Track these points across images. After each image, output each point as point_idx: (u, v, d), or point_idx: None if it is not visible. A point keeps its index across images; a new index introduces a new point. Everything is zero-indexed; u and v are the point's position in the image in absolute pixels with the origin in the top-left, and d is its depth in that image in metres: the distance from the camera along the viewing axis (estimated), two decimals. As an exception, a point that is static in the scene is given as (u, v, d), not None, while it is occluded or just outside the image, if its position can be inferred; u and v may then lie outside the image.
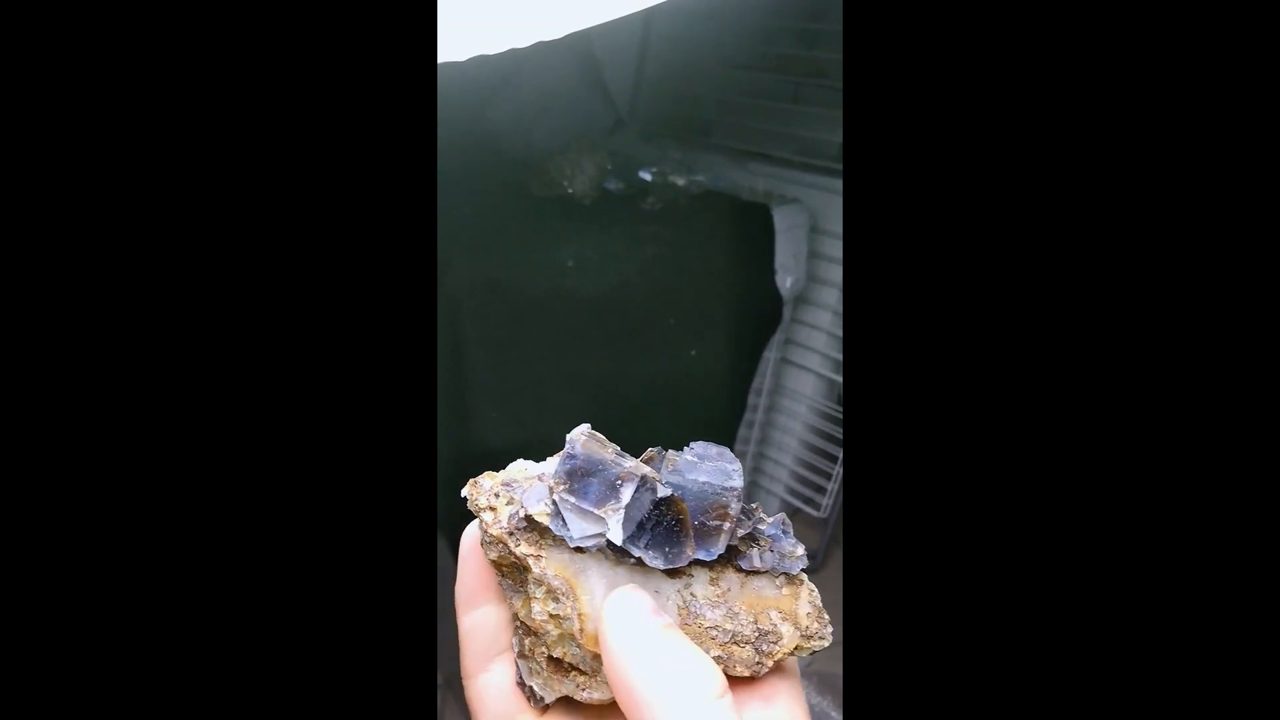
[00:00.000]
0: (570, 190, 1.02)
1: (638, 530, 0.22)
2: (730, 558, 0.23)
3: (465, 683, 0.25)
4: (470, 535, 0.25)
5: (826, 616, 0.24)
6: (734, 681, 0.22)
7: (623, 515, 0.22)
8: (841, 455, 1.25)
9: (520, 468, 0.25)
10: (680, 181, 1.07)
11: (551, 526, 0.22)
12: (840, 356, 1.25)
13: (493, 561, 0.24)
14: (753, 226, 1.09)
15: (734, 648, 0.23)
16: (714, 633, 0.23)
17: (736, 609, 0.23)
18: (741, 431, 1.27)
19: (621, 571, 0.23)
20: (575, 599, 0.22)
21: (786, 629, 0.23)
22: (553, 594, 0.23)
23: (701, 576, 0.23)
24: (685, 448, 0.24)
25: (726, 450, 0.24)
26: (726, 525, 0.22)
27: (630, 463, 0.23)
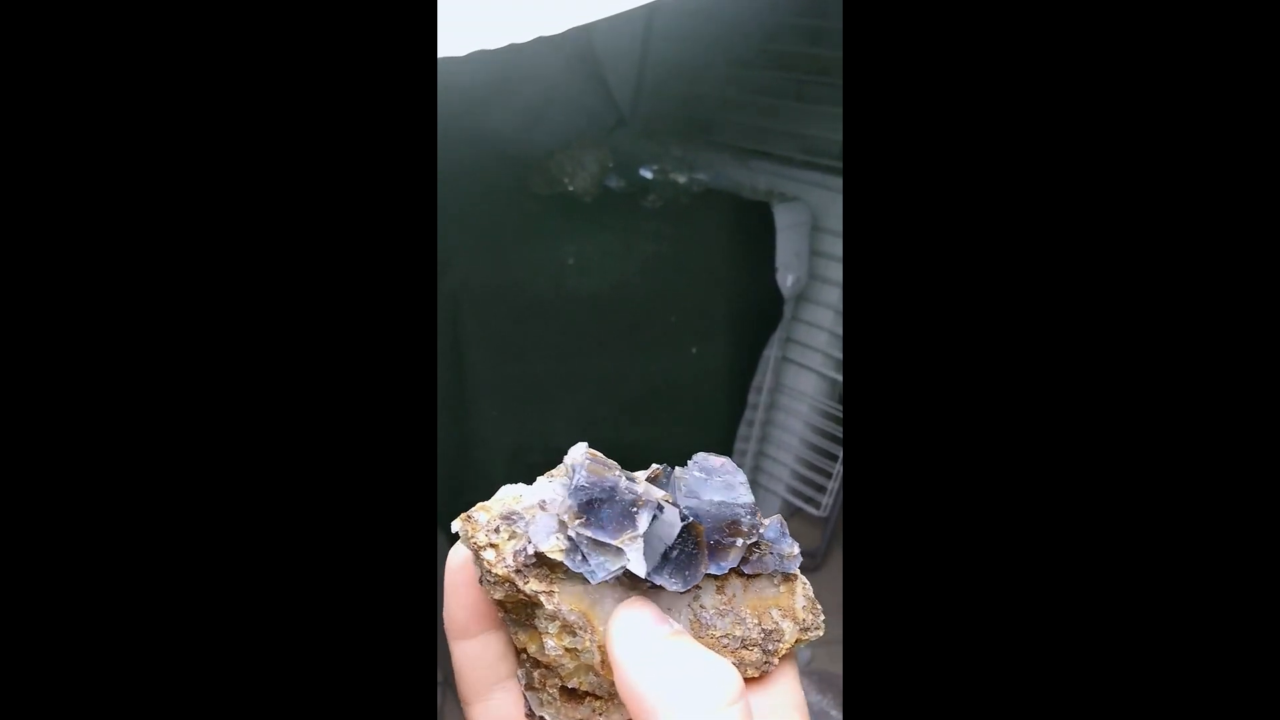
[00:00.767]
0: (571, 188, 1.01)
1: (662, 561, 0.21)
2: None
3: (464, 709, 0.25)
4: (456, 563, 0.23)
5: (819, 606, 0.24)
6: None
7: (642, 545, 0.21)
8: (842, 454, 1.25)
9: (513, 495, 0.23)
10: (681, 179, 1.07)
11: (568, 563, 0.21)
12: (840, 356, 1.25)
13: (495, 600, 0.23)
14: (754, 224, 1.09)
15: (743, 652, 0.23)
16: (725, 641, 0.23)
17: (743, 613, 0.23)
18: (742, 430, 1.27)
19: (636, 596, 0.22)
20: (593, 631, 0.22)
21: (787, 625, 0.23)
22: (569, 628, 0.22)
23: (709, 586, 0.23)
24: (690, 463, 0.23)
25: (728, 460, 0.23)
26: (740, 541, 0.22)
27: (640, 485, 0.22)
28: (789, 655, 0.23)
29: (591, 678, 0.22)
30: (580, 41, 1.03)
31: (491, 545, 0.22)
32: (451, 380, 0.83)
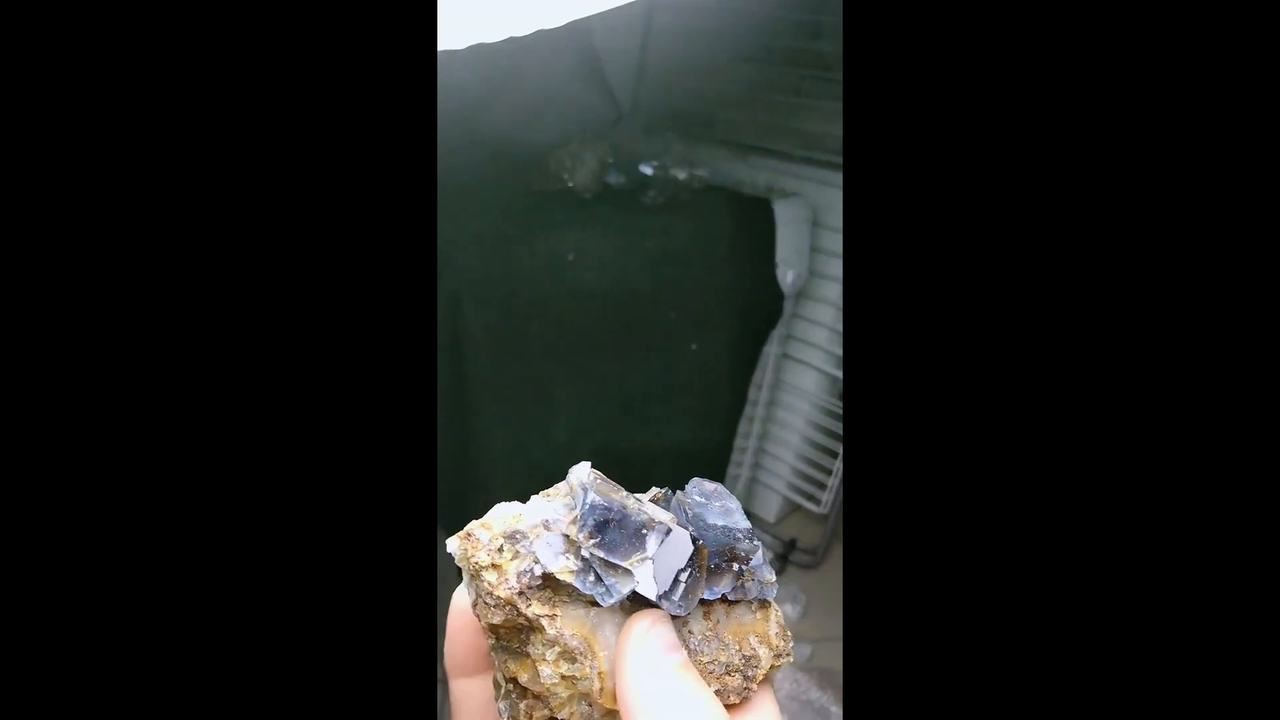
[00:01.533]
0: (571, 184, 1.01)
1: (674, 587, 0.21)
2: None
3: None
4: (461, 604, 0.23)
5: (789, 632, 0.24)
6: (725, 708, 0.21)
7: (651, 567, 0.21)
8: (842, 451, 1.25)
9: (512, 513, 0.22)
10: (681, 175, 1.07)
11: (578, 584, 0.21)
12: (841, 352, 1.25)
13: (491, 626, 0.21)
14: (754, 220, 1.09)
15: (726, 678, 0.22)
16: (712, 667, 0.22)
17: (726, 639, 0.22)
18: (742, 427, 1.27)
19: (657, 611, 0.22)
20: (594, 657, 0.21)
21: (763, 651, 0.23)
22: (568, 654, 0.21)
23: (696, 612, 0.22)
24: (689, 486, 0.23)
25: (721, 487, 0.23)
26: (736, 567, 0.22)
27: (648, 507, 0.22)
28: (766, 680, 0.23)
29: (583, 708, 0.21)
30: (580, 37, 1.03)
31: (494, 565, 0.21)
32: (451, 376, 0.83)
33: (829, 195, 1.17)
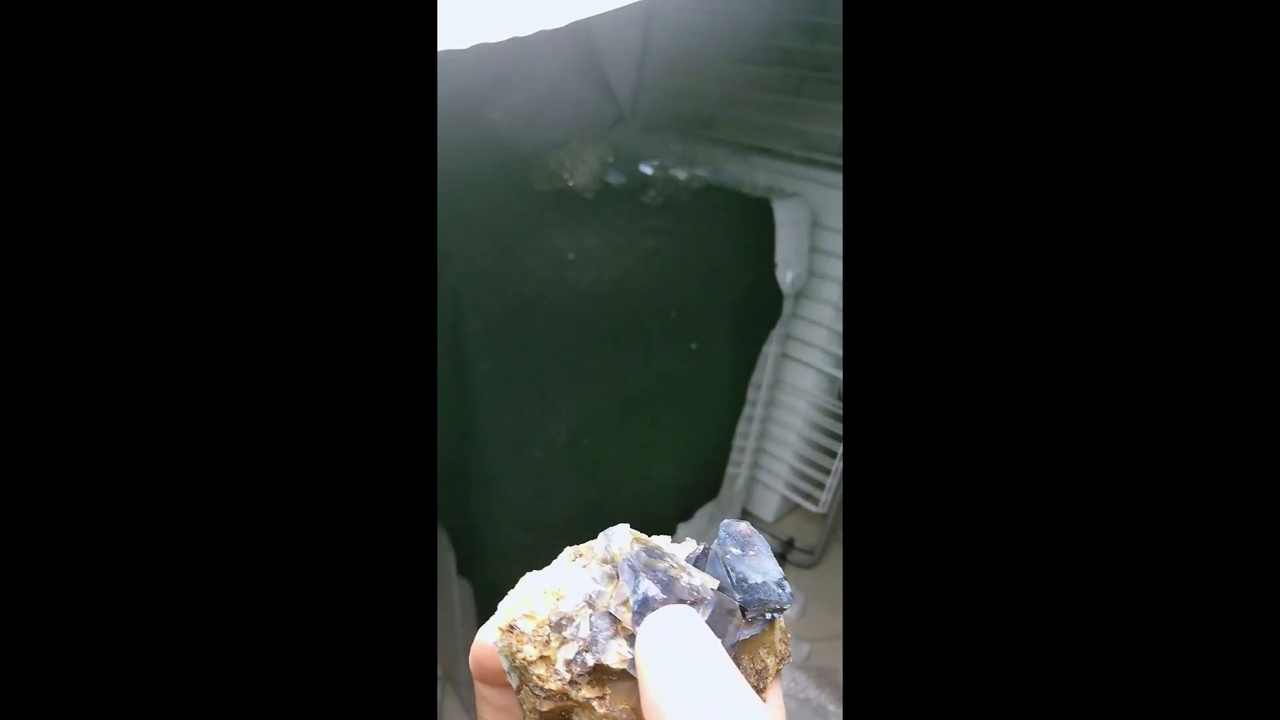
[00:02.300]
0: (571, 183, 1.01)
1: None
2: None
3: None
4: (486, 653, 0.22)
5: (788, 634, 0.24)
6: None
7: None
8: (841, 450, 1.25)
9: (551, 590, 0.21)
10: (682, 175, 1.07)
11: (630, 670, 0.20)
12: (840, 352, 1.25)
13: (538, 711, 0.21)
14: (754, 221, 1.09)
15: None
16: None
17: (741, 659, 0.23)
18: (741, 426, 1.27)
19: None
20: None
21: (770, 660, 0.23)
22: None
23: None
24: (721, 535, 0.22)
25: (749, 528, 0.23)
26: (768, 616, 0.22)
27: (695, 578, 0.21)
28: (774, 678, 0.24)
29: None
30: (581, 37, 1.03)
31: (543, 659, 0.20)
32: (451, 374, 0.83)
33: (828, 196, 1.17)
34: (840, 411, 1.26)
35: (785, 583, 0.22)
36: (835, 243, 1.19)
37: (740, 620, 0.21)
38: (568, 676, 0.20)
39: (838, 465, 1.26)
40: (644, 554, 0.21)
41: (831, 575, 1.37)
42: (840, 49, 1.14)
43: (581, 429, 0.91)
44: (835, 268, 1.21)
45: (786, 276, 1.14)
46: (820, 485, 1.30)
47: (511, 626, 0.21)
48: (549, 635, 0.20)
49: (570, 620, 0.21)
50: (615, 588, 0.21)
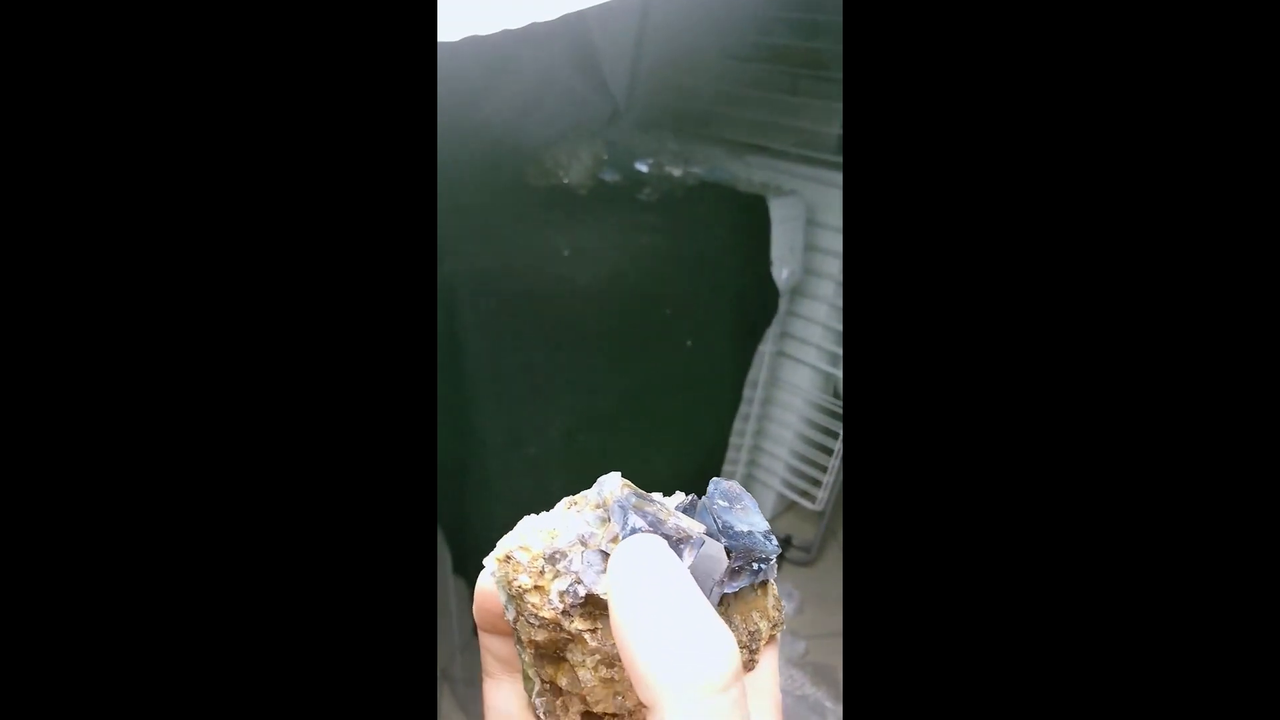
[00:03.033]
0: (566, 180, 1.01)
1: (709, 594, 0.21)
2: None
3: None
4: (486, 595, 0.22)
5: (782, 601, 0.24)
6: None
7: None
8: (837, 448, 1.26)
9: (546, 530, 0.22)
10: (676, 172, 1.07)
11: None
12: (835, 350, 1.26)
13: (533, 641, 0.22)
14: (749, 218, 1.09)
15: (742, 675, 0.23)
16: None
17: (734, 620, 0.23)
18: (737, 424, 1.27)
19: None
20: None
21: (764, 624, 0.24)
22: (608, 660, 0.21)
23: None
24: (710, 490, 0.23)
25: (738, 485, 0.23)
26: (754, 567, 0.22)
27: (681, 519, 0.22)
28: (769, 643, 0.24)
29: (618, 700, 0.22)
30: (575, 32, 1.03)
31: (537, 588, 0.21)
32: (446, 371, 0.83)
33: (824, 193, 1.17)
34: (836, 409, 1.26)
35: (772, 536, 0.22)
36: (831, 240, 1.19)
37: (726, 564, 0.21)
38: (560, 606, 0.21)
39: (834, 463, 1.26)
40: (634, 496, 0.21)
41: (828, 573, 1.37)
42: (835, 46, 1.14)
43: (577, 426, 0.91)
44: (831, 265, 1.21)
45: (782, 274, 1.14)
46: (817, 483, 1.30)
47: (508, 557, 0.21)
48: (543, 566, 0.21)
49: (564, 555, 0.21)
50: (607, 529, 0.21)
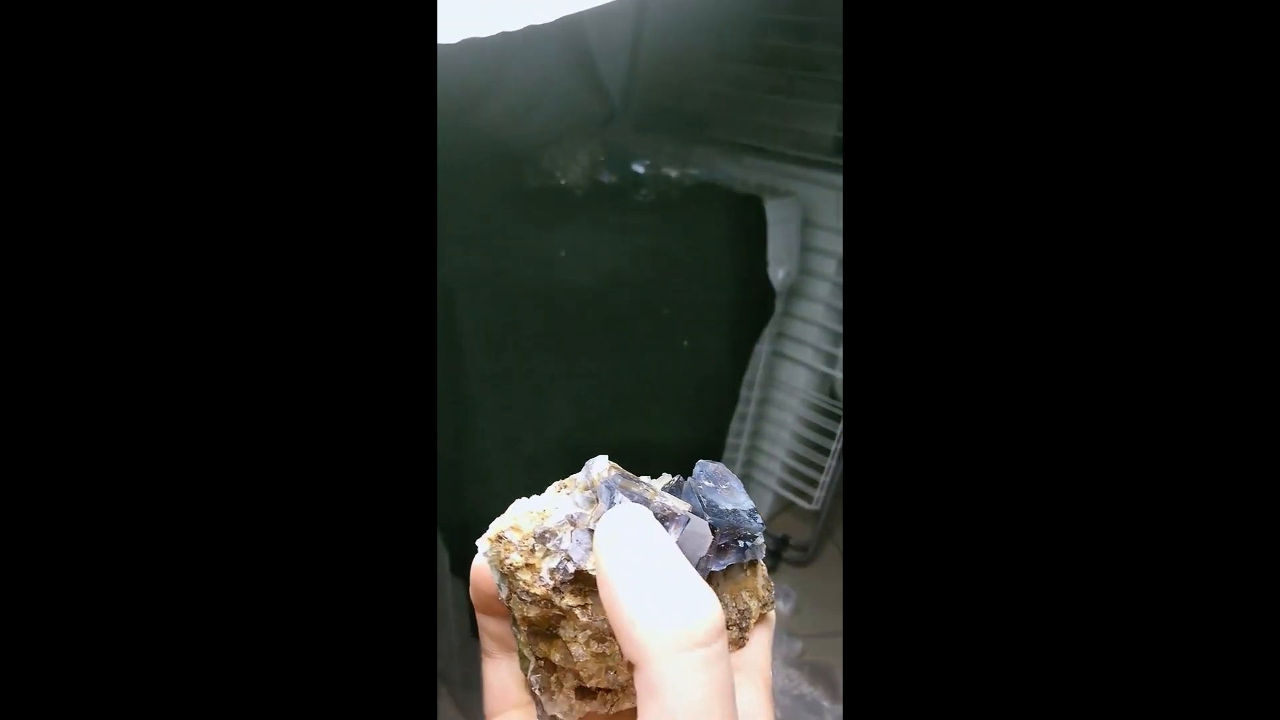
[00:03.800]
0: (563, 181, 1.01)
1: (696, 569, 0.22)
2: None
3: (487, 718, 0.25)
4: (481, 576, 0.23)
5: (772, 582, 0.25)
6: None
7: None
8: (833, 448, 1.26)
9: (537, 510, 0.23)
10: (673, 173, 1.07)
11: None
12: (832, 350, 1.26)
13: (526, 618, 0.23)
14: (746, 219, 1.10)
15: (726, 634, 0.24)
16: None
17: (724, 599, 0.24)
18: (734, 424, 1.27)
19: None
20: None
21: (753, 603, 0.24)
22: (599, 636, 0.22)
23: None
24: (696, 471, 0.24)
25: (723, 466, 0.24)
26: (740, 544, 0.23)
27: (667, 498, 0.22)
28: (761, 623, 0.24)
29: (610, 675, 0.23)
30: (572, 34, 1.03)
31: (528, 565, 0.22)
32: (444, 372, 0.83)
33: (821, 194, 1.17)
34: (832, 409, 1.27)
35: (756, 514, 0.23)
36: (827, 241, 1.19)
37: (711, 540, 0.22)
38: (551, 583, 0.22)
39: (831, 463, 1.27)
40: (620, 477, 0.22)
41: (825, 573, 1.37)
42: (832, 48, 1.14)
43: (574, 427, 0.91)
44: (827, 266, 1.21)
45: (778, 274, 1.15)
46: (814, 483, 1.31)
47: (499, 536, 0.22)
48: (534, 545, 0.22)
49: (553, 534, 0.22)
50: (595, 509, 0.22)
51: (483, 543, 0.23)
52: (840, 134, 1.16)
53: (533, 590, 0.22)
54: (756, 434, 1.36)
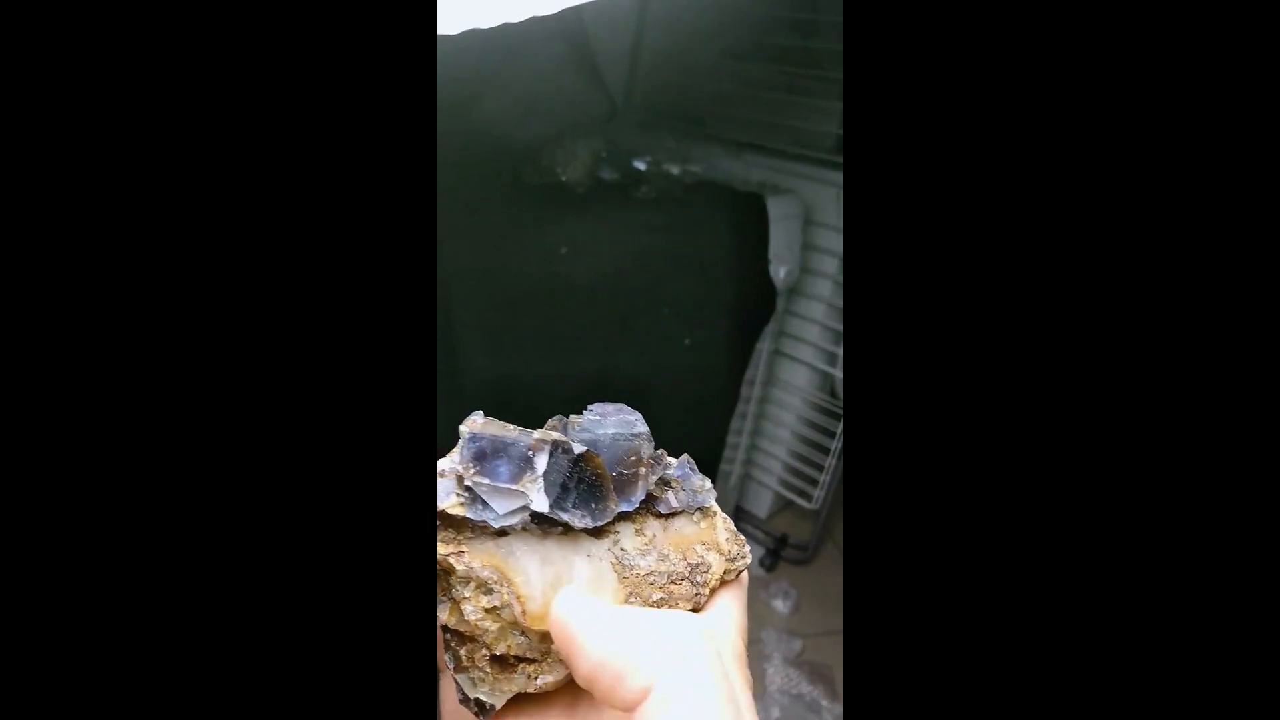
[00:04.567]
0: (564, 178, 1.01)
1: (562, 492, 0.22)
2: (648, 505, 0.24)
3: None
4: None
5: (742, 538, 0.25)
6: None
7: (542, 483, 0.21)
8: (834, 447, 1.26)
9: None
10: (675, 171, 1.07)
11: (470, 514, 0.22)
12: (833, 349, 1.26)
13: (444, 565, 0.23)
14: (747, 217, 1.09)
15: (672, 587, 0.23)
16: (652, 578, 0.23)
17: (665, 551, 0.24)
18: (734, 423, 1.27)
19: (550, 543, 0.22)
20: (509, 583, 0.22)
21: (713, 557, 0.24)
22: (483, 587, 0.22)
23: (626, 530, 0.24)
24: (586, 410, 0.24)
25: (624, 406, 0.24)
26: (642, 471, 0.23)
27: (536, 434, 0.23)
28: (733, 584, 0.24)
29: (519, 638, 0.22)
30: (574, 28, 1.03)
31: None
32: (443, 369, 0.83)
33: (822, 192, 1.17)
34: (833, 408, 1.26)
35: (650, 438, 0.23)
36: (828, 239, 1.19)
37: (604, 477, 0.22)
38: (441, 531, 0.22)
39: (831, 462, 1.27)
40: (478, 420, 0.23)
41: (825, 572, 1.37)
42: (833, 46, 1.14)
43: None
44: (828, 264, 1.21)
45: (779, 272, 1.15)
46: (814, 482, 1.30)
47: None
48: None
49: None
50: (455, 455, 0.23)
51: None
52: (842, 131, 1.16)
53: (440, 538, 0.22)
54: (757, 433, 1.36)
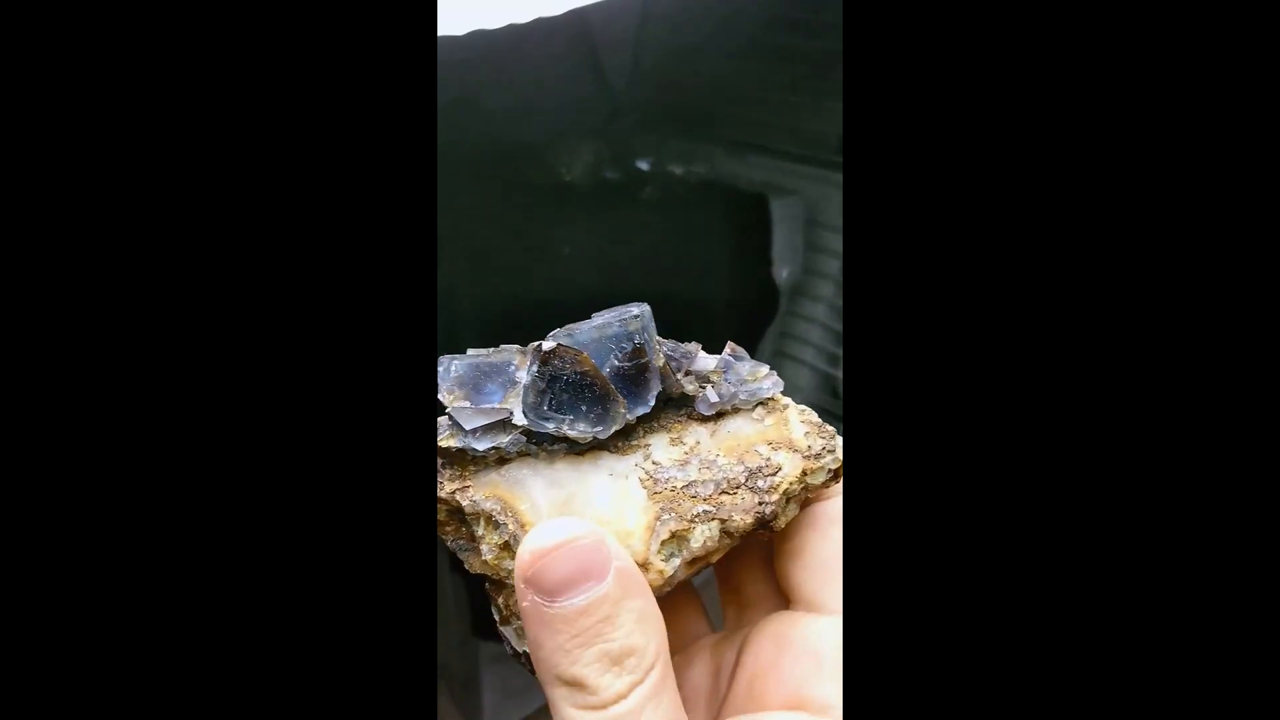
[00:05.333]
0: (568, 178, 1.01)
1: (538, 397, 0.20)
2: (687, 409, 0.21)
3: None
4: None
5: (830, 429, 0.22)
6: (754, 538, 0.18)
7: (522, 394, 0.20)
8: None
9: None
10: (678, 171, 1.07)
11: (458, 443, 0.20)
12: (835, 350, 1.25)
13: (445, 529, 0.22)
14: (750, 218, 1.09)
15: (724, 498, 0.20)
16: (692, 490, 0.20)
17: (713, 458, 0.21)
18: (736, 424, 1.26)
19: (561, 465, 0.20)
20: (515, 512, 0.20)
21: (783, 457, 0.21)
22: (491, 521, 0.20)
23: (659, 441, 0.21)
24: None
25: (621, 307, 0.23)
26: (648, 361, 0.20)
27: (514, 347, 0.21)
28: (821, 488, 0.21)
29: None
30: (577, 30, 1.03)
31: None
32: (445, 370, 0.83)
33: (825, 193, 1.17)
34: (835, 410, 1.26)
35: (634, 309, 0.21)
36: (831, 240, 1.19)
37: (597, 379, 0.20)
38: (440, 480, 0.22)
39: (832, 463, 1.26)
40: (470, 354, 0.22)
41: (825, 573, 1.37)
42: (837, 46, 1.14)
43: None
44: (831, 265, 1.20)
45: (782, 273, 1.14)
46: (815, 483, 1.30)
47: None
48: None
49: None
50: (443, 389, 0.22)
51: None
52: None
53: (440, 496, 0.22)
54: (758, 434, 1.36)
